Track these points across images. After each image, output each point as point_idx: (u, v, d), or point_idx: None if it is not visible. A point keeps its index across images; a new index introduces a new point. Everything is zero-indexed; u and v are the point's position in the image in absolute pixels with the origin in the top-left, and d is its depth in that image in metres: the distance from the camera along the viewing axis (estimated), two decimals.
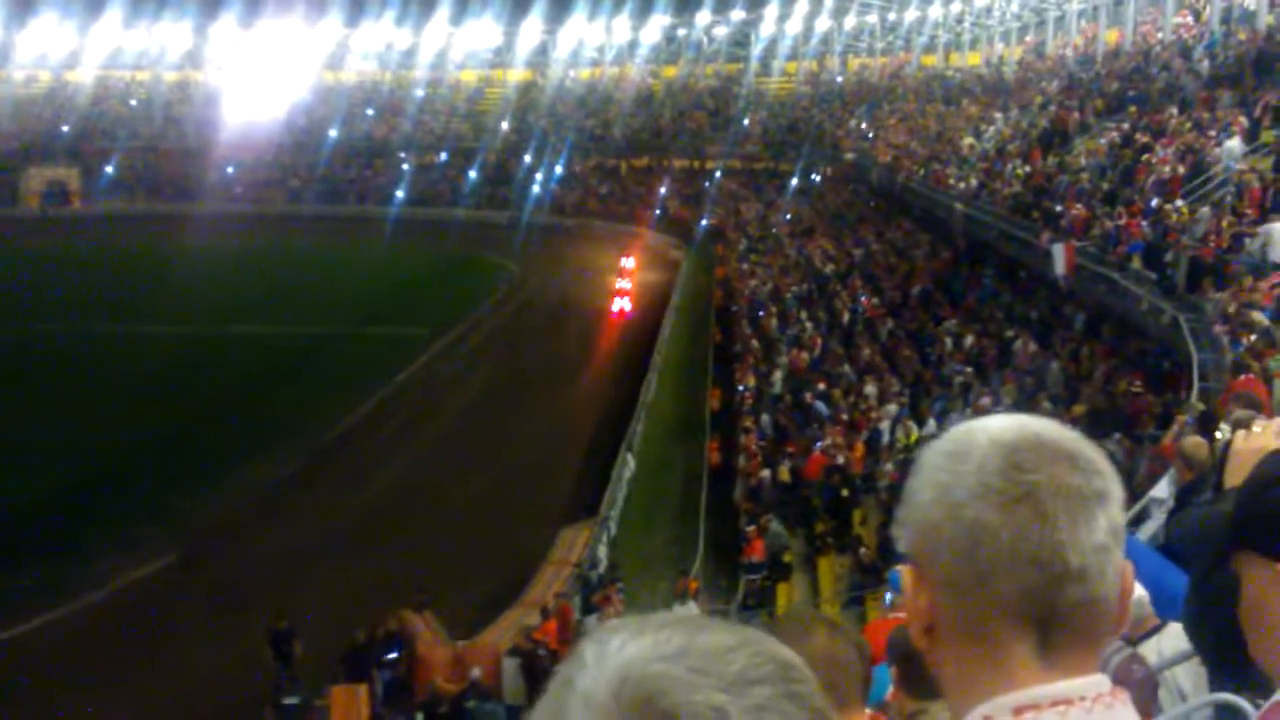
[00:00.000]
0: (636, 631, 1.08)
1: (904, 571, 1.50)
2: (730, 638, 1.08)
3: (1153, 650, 5.31)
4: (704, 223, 76.61)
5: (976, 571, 1.41)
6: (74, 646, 22.07)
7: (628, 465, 30.60)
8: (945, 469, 1.46)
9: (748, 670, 1.04)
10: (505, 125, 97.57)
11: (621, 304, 56.80)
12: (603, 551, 25.68)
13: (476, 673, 18.84)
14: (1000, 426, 1.48)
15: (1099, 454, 1.47)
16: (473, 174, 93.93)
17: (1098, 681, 1.43)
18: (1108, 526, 1.43)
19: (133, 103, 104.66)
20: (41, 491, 29.31)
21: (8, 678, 20.97)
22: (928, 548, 1.46)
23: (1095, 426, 21.44)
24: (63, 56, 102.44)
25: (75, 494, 29.34)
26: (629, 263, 61.29)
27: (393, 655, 19.77)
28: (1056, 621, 1.41)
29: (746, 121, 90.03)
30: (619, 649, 1.06)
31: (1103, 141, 34.29)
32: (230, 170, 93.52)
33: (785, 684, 1.06)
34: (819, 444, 28.05)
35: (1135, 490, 15.70)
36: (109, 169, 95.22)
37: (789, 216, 68.02)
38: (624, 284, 58.64)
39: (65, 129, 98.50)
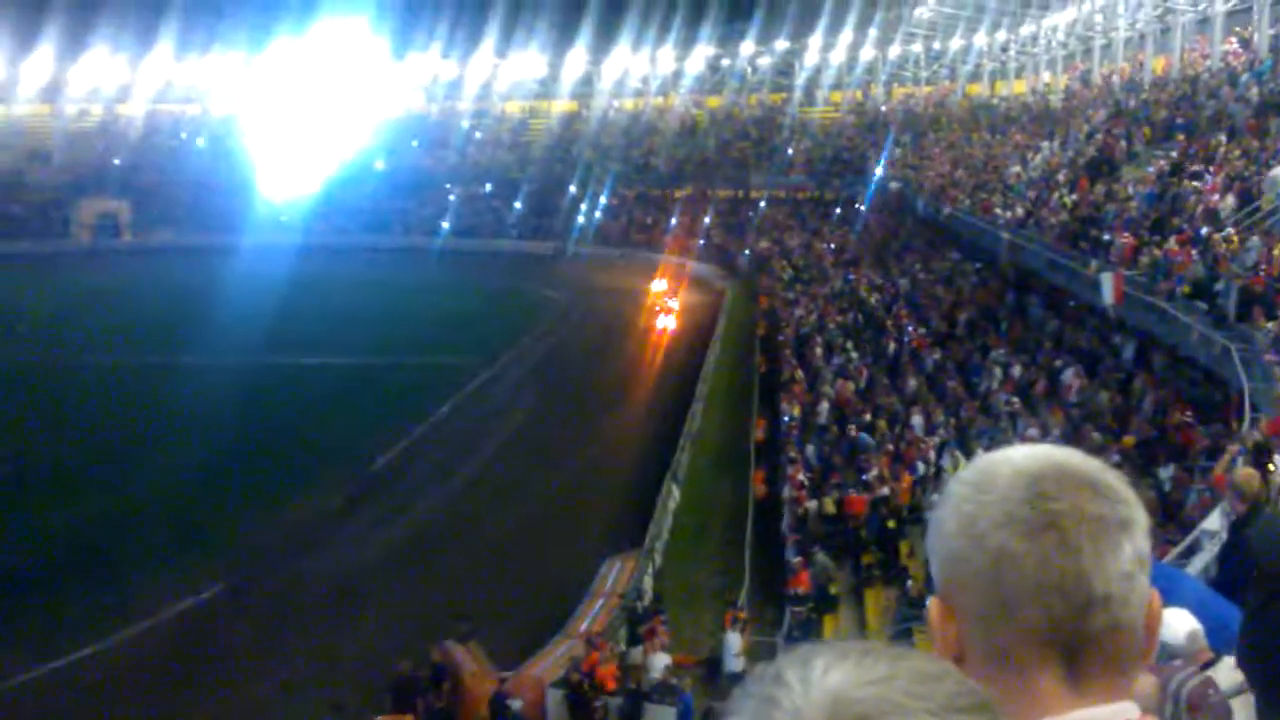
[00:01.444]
0: (838, 655, 1.10)
1: (931, 602, 1.50)
2: (931, 665, 1.10)
3: (1225, 672, 5.25)
4: (748, 253, 76.66)
5: (1002, 601, 1.41)
6: (121, 675, 22.21)
7: (672, 496, 30.53)
8: (970, 499, 1.46)
9: (955, 698, 1.07)
10: (549, 156, 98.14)
11: (666, 322, 58.01)
12: (647, 582, 25.60)
13: (517, 704, 18.80)
14: (1023, 456, 1.48)
15: (1123, 482, 1.47)
16: (517, 205, 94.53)
17: (1125, 708, 1.42)
18: (1133, 554, 1.43)
19: (182, 136, 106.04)
20: (92, 520, 29.56)
21: (58, 707, 21.13)
22: (953, 577, 1.46)
23: (1145, 457, 21.25)
24: (114, 91, 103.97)
25: (124, 523, 29.59)
26: (660, 284, 62.17)
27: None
28: (1083, 649, 1.41)
29: (790, 151, 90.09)
30: (824, 672, 1.08)
31: (1151, 170, 34.07)
32: (277, 202, 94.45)
33: (989, 714, 1.09)
34: (865, 475, 27.90)
35: (1185, 522, 15.53)
36: (159, 202, 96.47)
37: (833, 246, 67.94)
38: (669, 303, 59.97)
39: (116, 162, 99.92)
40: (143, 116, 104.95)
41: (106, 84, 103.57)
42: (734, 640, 21.59)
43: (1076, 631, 1.40)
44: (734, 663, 21.16)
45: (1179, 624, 5.04)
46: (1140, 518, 1.46)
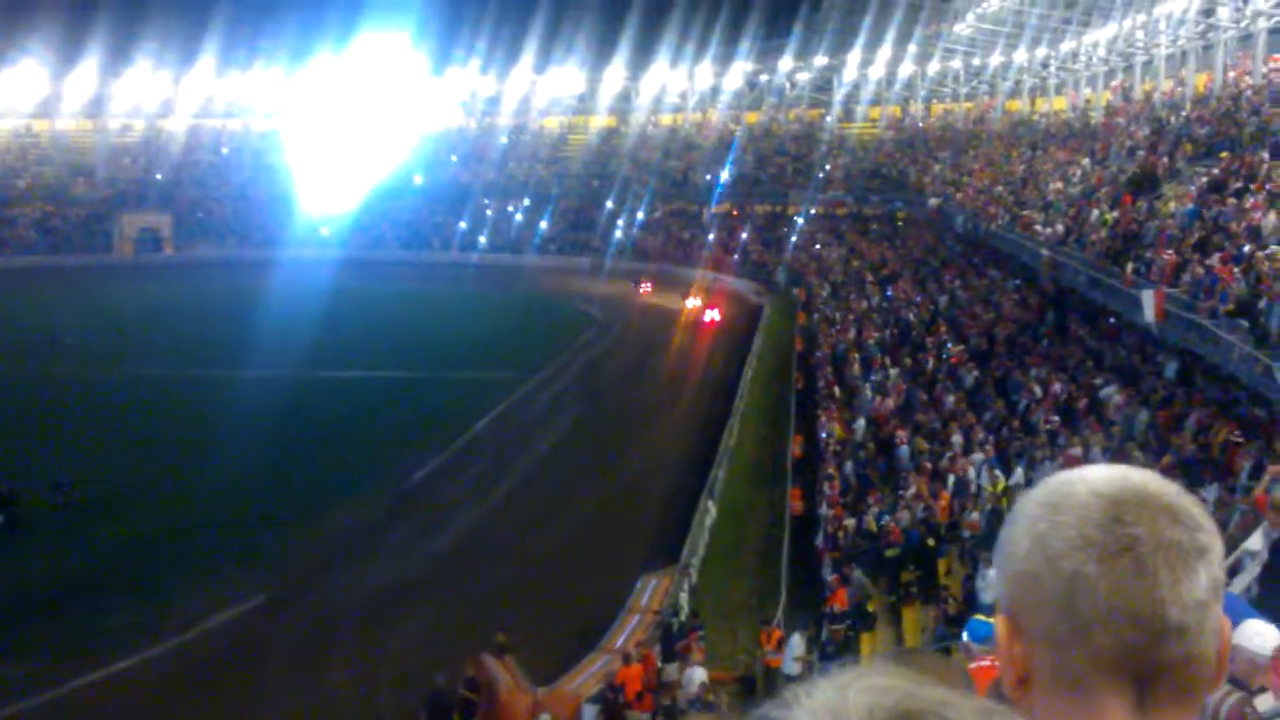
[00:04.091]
0: (846, 677, 1.13)
1: (998, 621, 1.48)
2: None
3: (1268, 700, 5.27)
4: (785, 268, 76.68)
5: (1074, 624, 1.40)
6: (164, 685, 22.35)
7: (709, 512, 30.47)
8: (1043, 519, 1.44)
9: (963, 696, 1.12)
10: (587, 171, 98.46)
11: (712, 314, 62.67)
12: (684, 599, 25.54)
13: (545, 718, 18.80)
14: (1101, 478, 1.46)
15: (1201, 508, 1.45)
16: (555, 220, 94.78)
17: None
18: (1208, 582, 1.41)
19: (224, 151, 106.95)
20: (135, 532, 29.77)
21: (103, 715, 21.28)
22: (1024, 598, 1.44)
23: (1188, 476, 21.04)
24: (156, 106, 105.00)
25: (168, 535, 29.80)
26: (694, 301, 66.21)
27: None
28: (1155, 677, 1.39)
29: (829, 167, 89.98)
30: (832, 687, 1.12)
31: (1192, 187, 33.81)
32: (317, 217, 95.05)
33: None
34: (902, 493, 27.76)
35: (1228, 542, 15.36)
36: (201, 216, 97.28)
37: (872, 262, 67.79)
38: (706, 302, 65.05)
39: (159, 176, 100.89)
40: (184, 131, 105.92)
41: (149, 99, 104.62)
42: (797, 642, 21.56)
43: (1149, 660, 1.39)
44: (792, 666, 21.17)
45: (1270, 636, 5.05)
46: (1216, 545, 1.44)
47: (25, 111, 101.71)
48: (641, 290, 74.78)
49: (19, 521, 29.59)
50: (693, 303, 67.06)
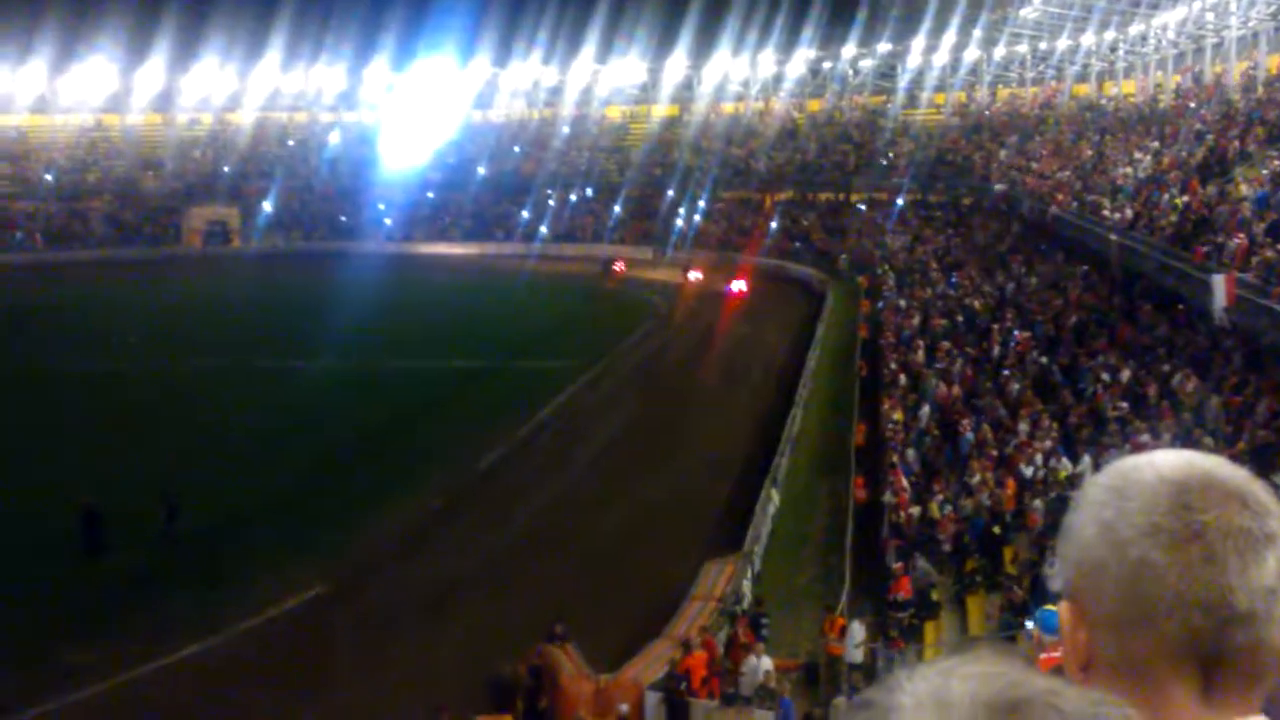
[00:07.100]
0: (949, 663, 1.14)
1: (1062, 607, 1.46)
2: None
3: None
4: (848, 256, 76.33)
5: (1140, 611, 1.37)
6: (226, 673, 22.60)
7: (772, 500, 30.38)
8: (1110, 505, 1.41)
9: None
10: (649, 160, 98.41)
11: (739, 285, 66.80)
12: (747, 586, 25.50)
13: (624, 708, 18.82)
14: (1168, 463, 1.43)
15: (1269, 493, 1.42)
16: (617, 209, 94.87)
17: None
18: (1277, 569, 1.38)
19: (290, 143, 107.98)
20: (199, 522, 30.07)
21: (163, 703, 21.54)
22: (1089, 585, 1.42)
23: (1259, 462, 20.72)
24: (223, 99, 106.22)
25: (232, 525, 30.10)
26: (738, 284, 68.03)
27: None
28: (1221, 664, 1.37)
29: (893, 154, 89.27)
30: (935, 673, 1.13)
31: (1264, 171, 33.24)
32: (382, 208, 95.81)
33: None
34: (966, 480, 27.51)
35: None
36: (267, 208, 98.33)
37: (937, 249, 67.26)
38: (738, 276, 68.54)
39: (226, 169, 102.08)
40: (251, 124, 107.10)
41: (216, 93, 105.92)
42: (857, 630, 21.45)
43: (1216, 647, 1.36)
44: (855, 654, 21.08)
45: None
46: None
47: (95, 106, 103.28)
48: (615, 270, 79.04)
49: (103, 543, 28.18)
50: (695, 275, 72.61)
